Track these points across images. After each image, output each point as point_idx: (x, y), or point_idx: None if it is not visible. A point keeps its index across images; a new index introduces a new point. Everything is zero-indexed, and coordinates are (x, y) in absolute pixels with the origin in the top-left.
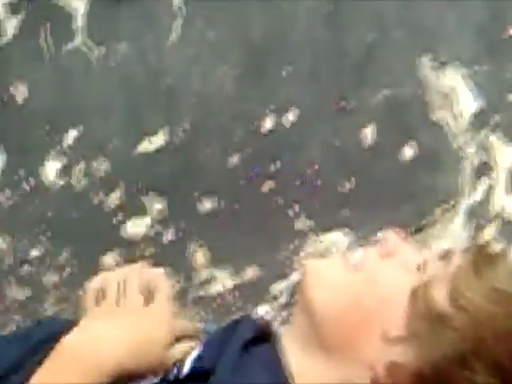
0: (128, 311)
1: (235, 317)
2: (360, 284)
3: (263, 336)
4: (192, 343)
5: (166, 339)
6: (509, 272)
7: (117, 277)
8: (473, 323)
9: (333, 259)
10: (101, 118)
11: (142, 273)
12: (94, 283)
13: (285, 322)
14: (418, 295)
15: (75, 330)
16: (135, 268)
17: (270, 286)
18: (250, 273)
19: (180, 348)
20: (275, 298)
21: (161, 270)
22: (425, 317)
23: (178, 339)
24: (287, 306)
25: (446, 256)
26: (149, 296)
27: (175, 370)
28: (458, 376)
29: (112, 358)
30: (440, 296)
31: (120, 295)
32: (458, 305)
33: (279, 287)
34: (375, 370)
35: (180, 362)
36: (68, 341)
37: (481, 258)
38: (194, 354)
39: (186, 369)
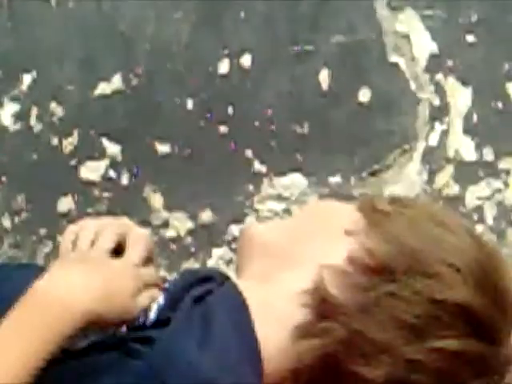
0: (98, 259)
1: (189, 263)
2: (304, 213)
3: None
4: (156, 291)
5: (134, 287)
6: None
7: (96, 224)
8: (423, 214)
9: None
10: (55, 63)
11: (124, 226)
12: (73, 227)
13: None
14: (363, 205)
15: (46, 275)
16: (119, 221)
17: (226, 229)
18: (205, 217)
19: (146, 295)
20: (231, 241)
21: (145, 230)
22: (376, 215)
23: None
24: None
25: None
26: (121, 249)
27: (141, 317)
28: (432, 255)
29: (82, 304)
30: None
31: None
32: (401, 204)
33: (234, 231)
34: (354, 256)
35: (146, 309)
36: (39, 286)
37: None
38: (160, 301)
39: (152, 316)
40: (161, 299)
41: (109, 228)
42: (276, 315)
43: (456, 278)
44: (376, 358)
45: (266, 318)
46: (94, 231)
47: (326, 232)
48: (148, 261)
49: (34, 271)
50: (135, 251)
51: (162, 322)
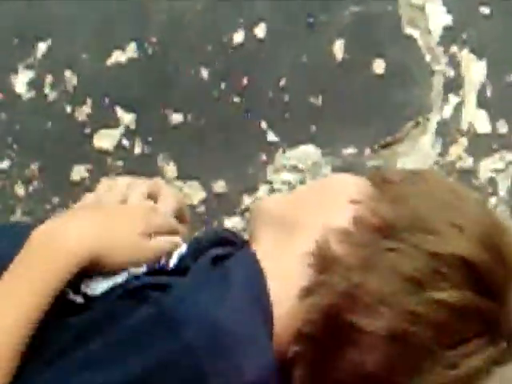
0: (109, 204)
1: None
2: (313, 184)
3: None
4: (178, 238)
5: (143, 227)
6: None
7: (130, 180)
8: (433, 182)
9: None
10: (70, 32)
11: (156, 185)
12: (107, 181)
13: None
14: (373, 175)
15: (48, 220)
16: (152, 180)
17: (239, 199)
18: (218, 187)
19: (167, 239)
20: (243, 211)
21: (176, 191)
22: (386, 183)
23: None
24: None
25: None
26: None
27: (163, 261)
28: (439, 218)
29: (84, 240)
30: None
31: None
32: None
33: (247, 201)
34: (360, 217)
35: (168, 255)
36: (39, 229)
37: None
38: (183, 250)
39: (173, 262)
40: (183, 248)
41: (141, 185)
42: (285, 278)
43: (458, 235)
44: (376, 310)
45: (277, 282)
46: (127, 186)
47: (332, 200)
48: (178, 218)
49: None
50: (161, 204)
51: (180, 270)
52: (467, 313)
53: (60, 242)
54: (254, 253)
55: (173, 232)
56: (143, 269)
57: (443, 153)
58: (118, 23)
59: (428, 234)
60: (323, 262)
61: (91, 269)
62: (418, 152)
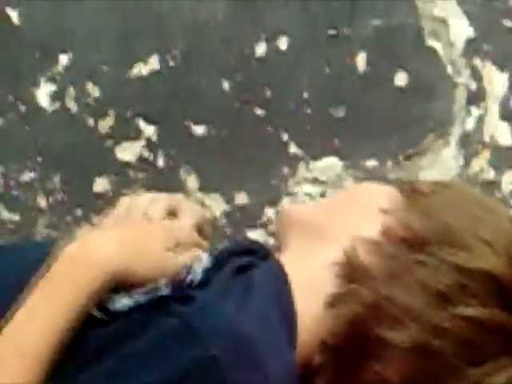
0: (133, 221)
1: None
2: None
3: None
4: (199, 252)
5: (166, 242)
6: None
7: (150, 196)
8: (462, 194)
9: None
10: (92, 44)
11: (176, 201)
12: (127, 198)
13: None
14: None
15: (76, 238)
16: (173, 196)
17: (261, 212)
18: (240, 199)
19: (187, 254)
20: (265, 224)
21: (197, 206)
22: (416, 194)
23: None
24: None
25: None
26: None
27: (188, 278)
28: (467, 231)
29: (109, 257)
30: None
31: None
32: (442, 185)
33: (270, 213)
34: (388, 228)
35: (189, 269)
36: (67, 248)
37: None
38: (205, 262)
39: (198, 277)
40: (205, 261)
41: (161, 201)
42: (312, 287)
43: (487, 250)
44: (402, 323)
45: (302, 290)
46: (148, 201)
47: (361, 209)
48: (198, 232)
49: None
50: (182, 220)
51: (204, 283)
52: (494, 330)
53: (91, 259)
54: (278, 261)
55: (195, 246)
56: (168, 290)
57: (465, 165)
58: (139, 35)
59: (457, 248)
60: (351, 271)
61: (119, 285)
62: (440, 164)
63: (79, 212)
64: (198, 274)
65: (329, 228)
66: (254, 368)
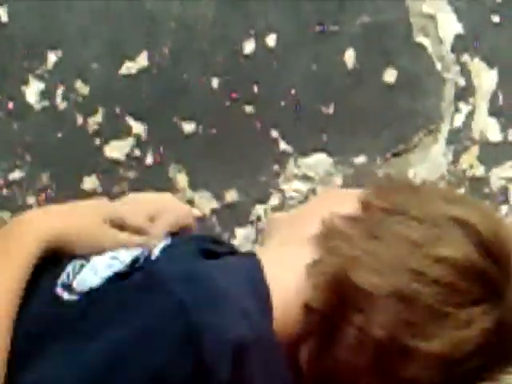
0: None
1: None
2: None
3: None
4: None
5: (106, 214)
6: None
7: (126, 208)
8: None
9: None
10: (81, 42)
11: (154, 210)
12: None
13: None
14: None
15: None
16: (159, 199)
17: (250, 209)
18: (230, 197)
19: (134, 237)
20: (255, 221)
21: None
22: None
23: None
24: None
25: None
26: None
27: (145, 253)
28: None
29: (43, 225)
30: None
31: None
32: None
33: (259, 210)
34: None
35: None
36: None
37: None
38: (164, 242)
39: (156, 254)
40: (165, 241)
41: (141, 212)
42: (290, 262)
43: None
44: (381, 271)
45: (282, 268)
46: (129, 212)
47: (341, 199)
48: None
49: None
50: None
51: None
52: (470, 273)
53: (30, 224)
54: (252, 252)
55: (143, 233)
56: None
57: (455, 161)
58: (128, 33)
59: (430, 205)
60: (329, 233)
61: (60, 250)
62: (429, 160)
63: None
64: (155, 252)
65: (306, 217)
66: (220, 313)
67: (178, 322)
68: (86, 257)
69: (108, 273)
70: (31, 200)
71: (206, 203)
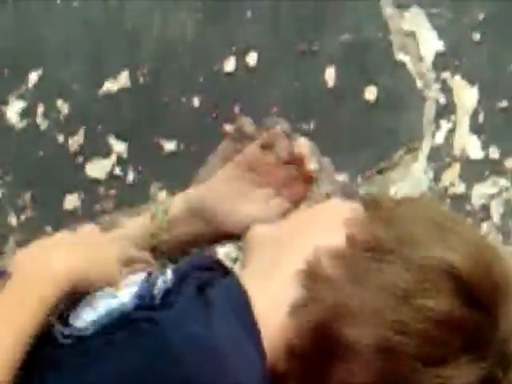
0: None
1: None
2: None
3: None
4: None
5: (119, 254)
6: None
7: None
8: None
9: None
10: (61, 61)
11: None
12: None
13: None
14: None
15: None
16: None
17: None
18: None
19: (138, 267)
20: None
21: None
22: (379, 206)
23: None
24: None
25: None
26: None
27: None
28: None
29: (64, 262)
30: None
31: None
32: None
33: None
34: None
35: (154, 280)
36: (17, 256)
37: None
38: (169, 277)
39: (161, 293)
40: (169, 276)
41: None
42: (274, 297)
43: (450, 252)
44: (363, 322)
45: (265, 301)
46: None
47: (324, 222)
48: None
49: None
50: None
51: (165, 303)
52: (454, 326)
53: (49, 266)
54: (237, 277)
55: (145, 263)
56: (130, 305)
57: (436, 178)
58: (109, 53)
59: (418, 246)
60: (312, 278)
61: (73, 292)
62: (410, 178)
63: (50, 229)
64: (160, 289)
65: (292, 240)
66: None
67: None
68: None
69: (104, 311)
70: (13, 220)
71: None
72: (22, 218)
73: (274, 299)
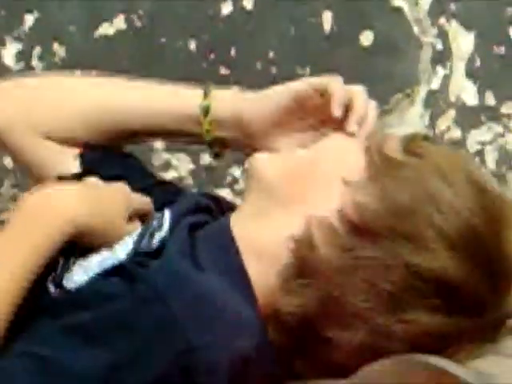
0: (94, 182)
1: None
2: (310, 154)
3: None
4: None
5: (125, 211)
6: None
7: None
8: (430, 166)
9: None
10: (58, 4)
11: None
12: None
13: None
14: (372, 149)
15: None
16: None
17: (227, 171)
18: (206, 159)
19: (136, 223)
20: (232, 183)
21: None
22: (381, 162)
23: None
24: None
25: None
26: None
27: (145, 241)
28: (421, 216)
29: (75, 211)
30: (393, 146)
31: None
32: (413, 152)
33: (236, 173)
34: (344, 211)
35: (152, 231)
36: (25, 198)
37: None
38: (165, 228)
39: (156, 243)
40: (165, 228)
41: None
42: (265, 254)
43: (440, 243)
44: (350, 324)
45: (255, 256)
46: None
47: (324, 177)
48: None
49: None
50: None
51: (159, 250)
52: (444, 334)
53: (55, 209)
54: (227, 221)
55: (146, 212)
56: (122, 252)
57: (431, 124)
58: None
59: (408, 241)
60: (304, 259)
61: (76, 240)
62: (406, 123)
63: None
64: (156, 238)
65: (288, 193)
66: (218, 331)
67: (177, 338)
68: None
69: (97, 268)
70: (7, 161)
71: (182, 165)
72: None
73: (265, 257)
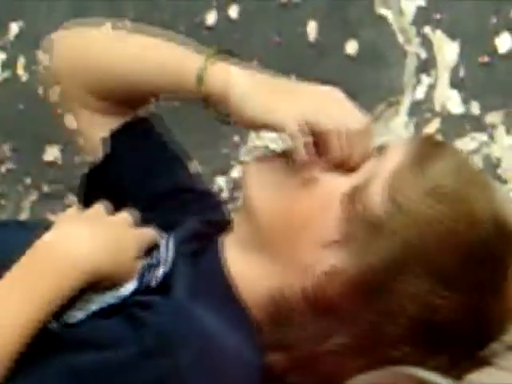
0: (104, 219)
1: None
2: (298, 187)
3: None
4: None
5: (137, 248)
6: (455, 165)
7: None
8: (413, 224)
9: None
10: (43, 12)
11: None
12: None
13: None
14: (355, 198)
15: (52, 230)
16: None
17: (211, 180)
18: (191, 168)
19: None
20: (218, 192)
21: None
22: (361, 220)
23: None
24: (228, 201)
25: (381, 151)
26: None
27: (147, 278)
28: (396, 283)
29: (89, 258)
30: (377, 197)
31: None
32: (396, 204)
33: (221, 182)
34: (313, 275)
35: (153, 272)
36: (41, 241)
37: (424, 149)
38: (169, 262)
39: (157, 280)
40: (169, 262)
41: None
42: (252, 293)
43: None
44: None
45: (246, 290)
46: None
47: (308, 237)
48: None
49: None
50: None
51: (162, 287)
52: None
53: (67, 258)
54: (220, 261)
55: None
56: (126, 292)
57: (416, 133)
58: (91, 3)
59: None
60: (285, 314)
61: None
62: (391, 132)
63: (29, 181)
64: (158, 274)
65: (275, 248)
66: (216, 375)
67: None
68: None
69: (98, 306)
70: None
71: None
72: (3, 169)
73: (250, 294)
